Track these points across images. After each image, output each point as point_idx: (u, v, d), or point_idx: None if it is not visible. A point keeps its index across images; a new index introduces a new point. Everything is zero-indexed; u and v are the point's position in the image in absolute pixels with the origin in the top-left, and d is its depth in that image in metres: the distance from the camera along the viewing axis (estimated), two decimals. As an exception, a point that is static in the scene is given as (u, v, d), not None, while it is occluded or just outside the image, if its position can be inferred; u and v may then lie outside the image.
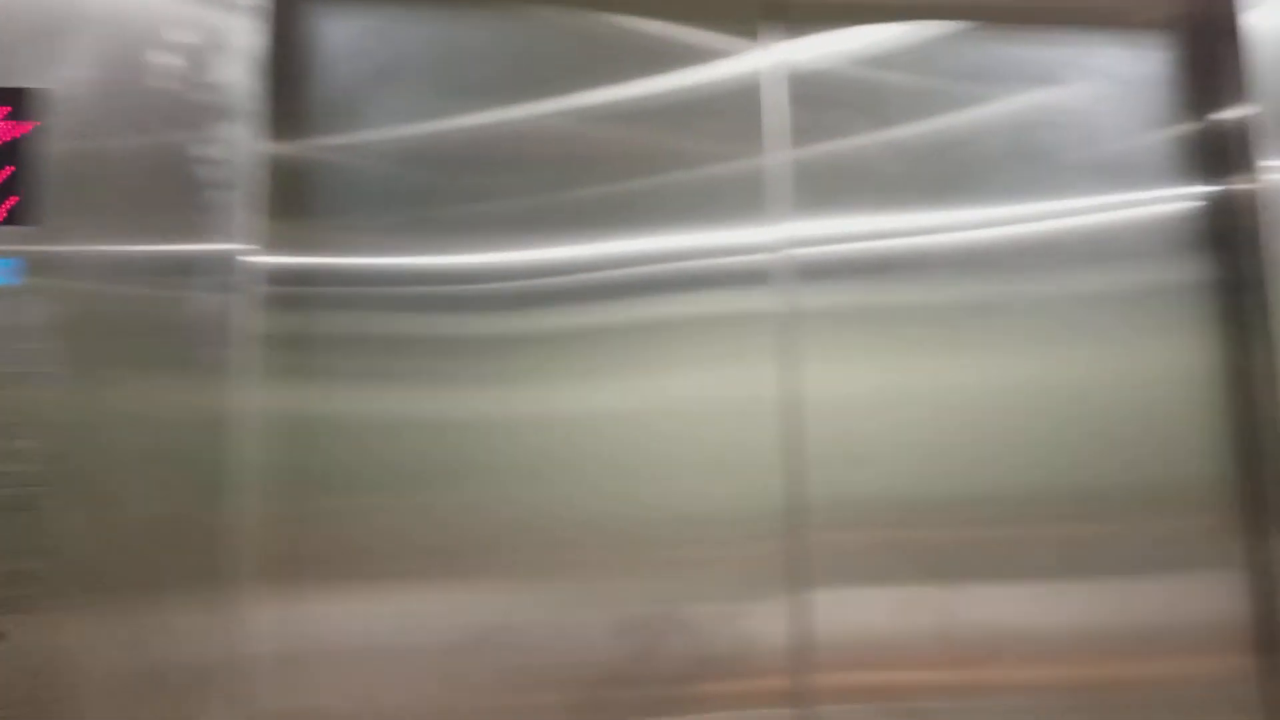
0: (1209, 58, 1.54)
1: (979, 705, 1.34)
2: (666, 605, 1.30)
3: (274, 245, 1.25)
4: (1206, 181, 1.53)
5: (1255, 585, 1.42)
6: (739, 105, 1.42)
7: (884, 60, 1.47)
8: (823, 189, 1.42)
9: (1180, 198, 1.52)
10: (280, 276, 1.27)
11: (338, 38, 1.34)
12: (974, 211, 1.46)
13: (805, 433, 1.36)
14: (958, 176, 1.46)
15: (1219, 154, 1.52)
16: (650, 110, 1.40)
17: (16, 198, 1.12)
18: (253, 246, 1.18)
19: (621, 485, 1.31)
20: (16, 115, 1.13)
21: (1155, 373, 1.45)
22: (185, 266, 1.15)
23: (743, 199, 1.40)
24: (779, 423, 1.36)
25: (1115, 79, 1.53)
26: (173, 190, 1.15)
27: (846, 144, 1.44)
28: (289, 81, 1.32)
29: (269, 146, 1.25)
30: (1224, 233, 1.50)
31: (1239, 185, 1.49)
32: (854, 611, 1.34)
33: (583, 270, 1.35)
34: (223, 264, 1.15)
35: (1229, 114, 1.51)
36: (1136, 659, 1.39)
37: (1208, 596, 1.41)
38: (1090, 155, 1.50)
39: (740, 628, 1.31)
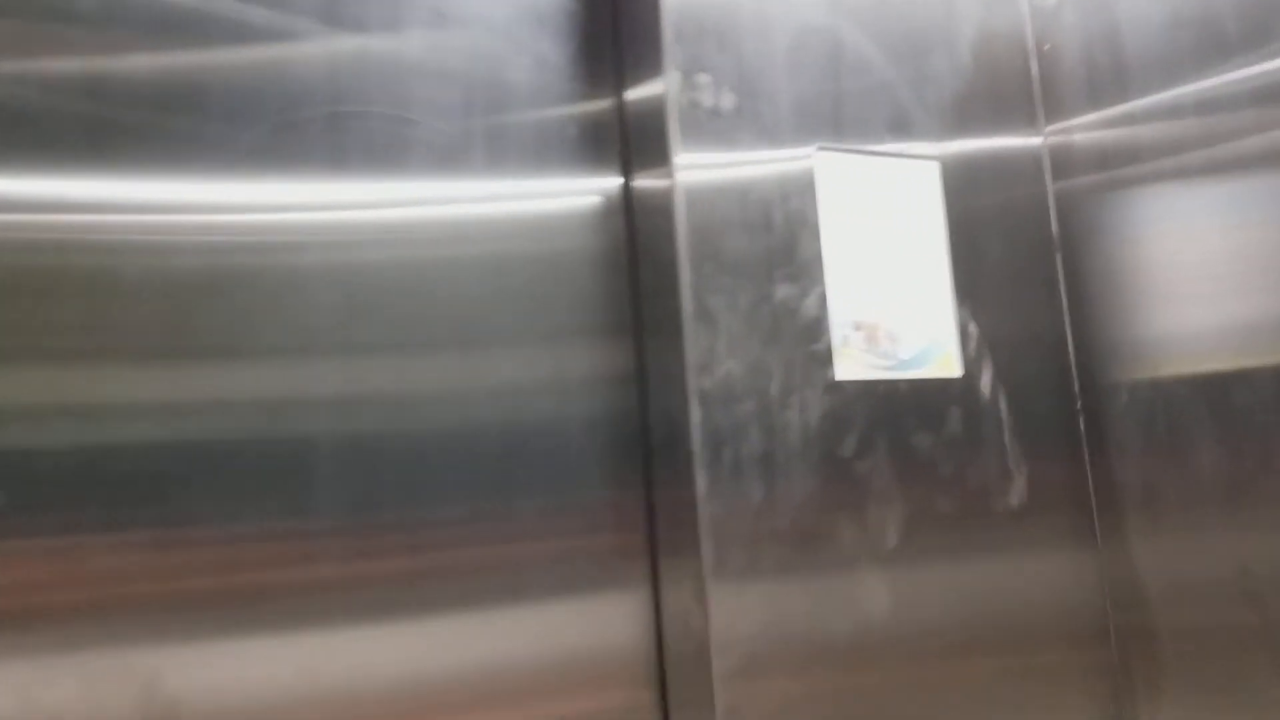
0: (620, 22, 1.19)
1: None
2: None
3: None
4: (617, 172, 1.17)
5: (655, 611, 1.16)
6: None
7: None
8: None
9: (578, 191, 1.15)
10: None
11: None
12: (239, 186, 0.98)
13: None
14: (210, 137, 0.97)
15: (630, 140, 1.17)
16: None
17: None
18: None
19: None
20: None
21: (544, 381, 1.14)
22: None
23: None
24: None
25: (499, 33, 1.13)
26: None
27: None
28: None
29: None
30: (630, 231, 1.20)
31: (652, 180, 1.13)
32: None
33: None
34: None
35: (642, 92, 1.15)
36: (503, 701, 1.06)
37: (599, 624, 1.13)
38: (449, 128, 1.09)
39: None
